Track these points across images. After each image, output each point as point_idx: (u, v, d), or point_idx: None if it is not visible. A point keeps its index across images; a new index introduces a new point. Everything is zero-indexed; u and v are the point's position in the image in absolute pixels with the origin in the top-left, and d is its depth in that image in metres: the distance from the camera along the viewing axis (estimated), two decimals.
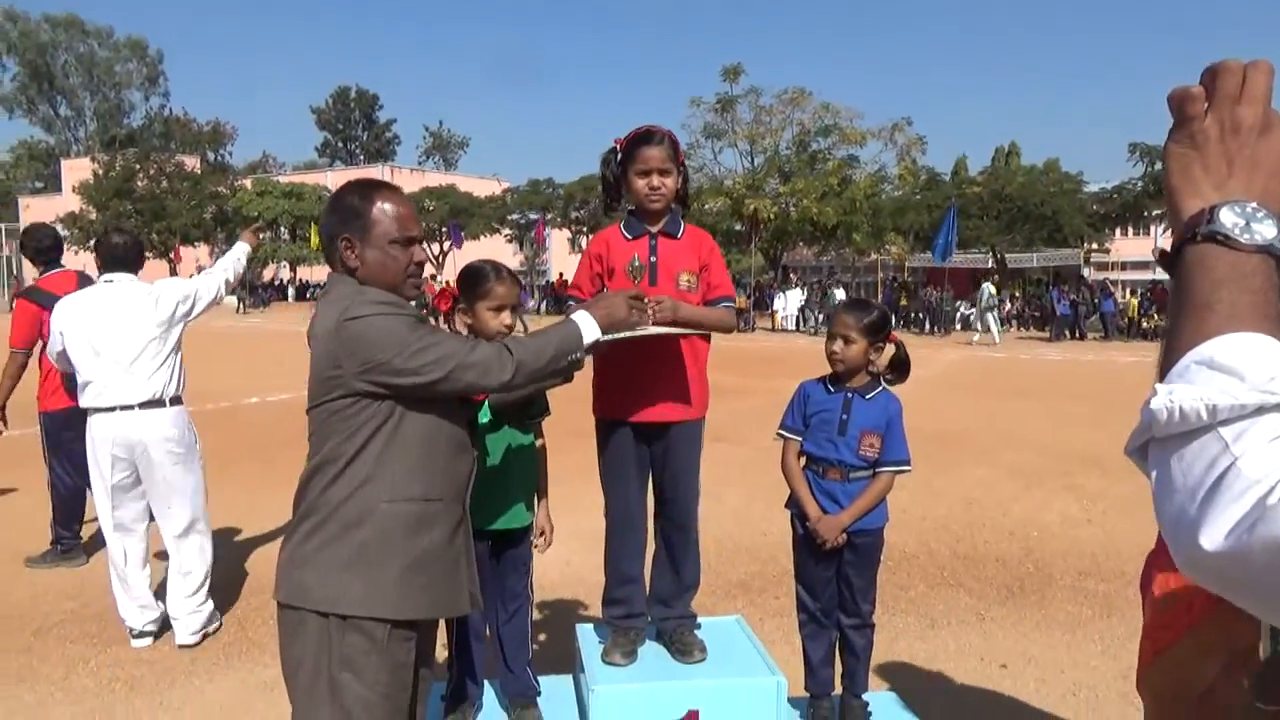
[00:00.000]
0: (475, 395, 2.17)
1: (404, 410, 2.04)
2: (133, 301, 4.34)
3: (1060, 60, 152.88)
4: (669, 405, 2.82)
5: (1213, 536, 0.71)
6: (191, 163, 53.44)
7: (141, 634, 4.40)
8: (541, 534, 2.98)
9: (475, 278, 2.70)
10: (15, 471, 7.47)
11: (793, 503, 3.02)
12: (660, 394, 2.81)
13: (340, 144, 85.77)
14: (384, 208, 2.13)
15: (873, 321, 2.89)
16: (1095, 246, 38.30)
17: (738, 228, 35.28)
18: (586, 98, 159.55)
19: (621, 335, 2.30)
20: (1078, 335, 27.20)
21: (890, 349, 2.96)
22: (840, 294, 27.75)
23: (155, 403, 4.28)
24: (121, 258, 4.42)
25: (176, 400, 4.39)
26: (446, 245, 40.48)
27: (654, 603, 2.97)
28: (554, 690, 3.01)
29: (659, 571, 2.97)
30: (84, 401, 4.30)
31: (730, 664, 2.82)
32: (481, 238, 43.45)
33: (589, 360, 2.98)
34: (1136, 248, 46.43)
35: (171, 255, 46.72)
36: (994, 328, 24.73)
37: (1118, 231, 39.79)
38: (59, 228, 7.14)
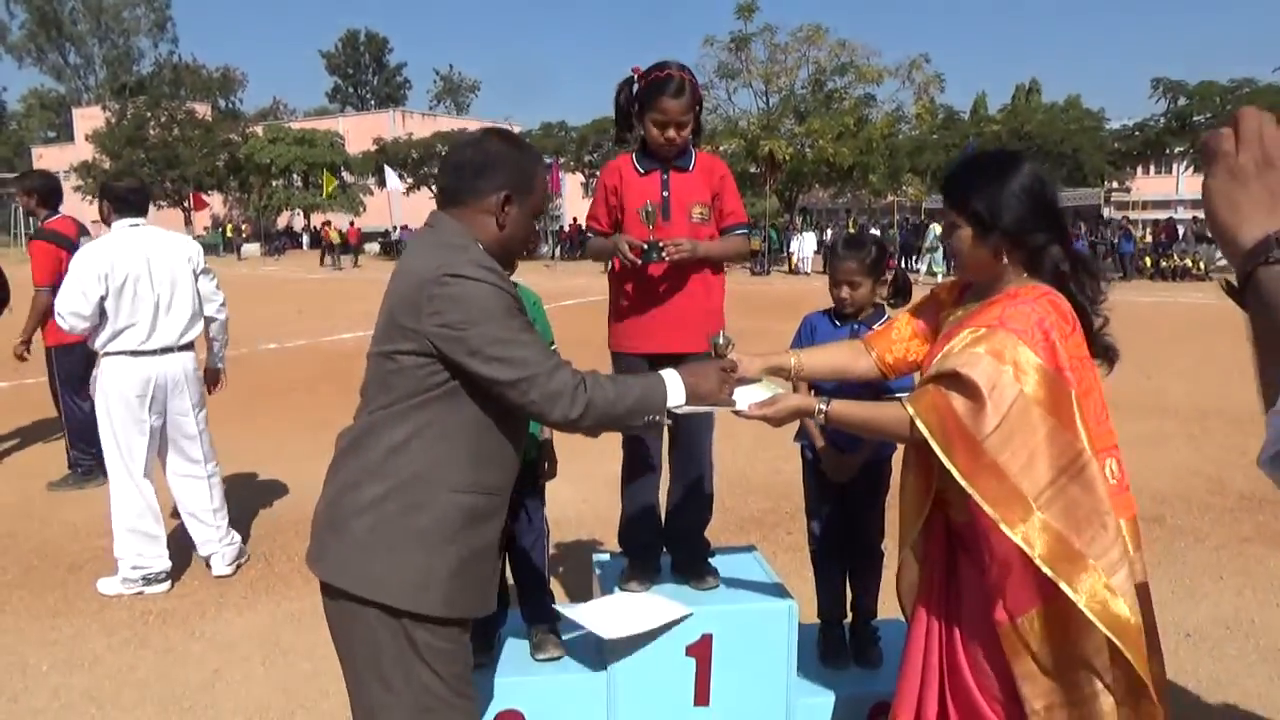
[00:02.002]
0: (531, 416, 1.96)
1: (479, 391, 1.91)
2: (167, 245, 4.47)
3: None
4: (684, 337, 2.85)
5: None
6: (202, 110, 53.06)
7: (166, 577, 4.46)
8: (544, 465, 3.01)
9: None
10: (32, 417, 7.60)
11: (802, 435, 3.07)
12: (675, 326, 2.85)
13: (351, 89, 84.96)
14: (544, 178, 2.09)
15: (874, 259, 2.91)
16: (1116, 185, 37.76)
17: (753, 169, 34.93)
18: (599, 39, 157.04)
19: (702, 409, 2.12)
20: None
21: (889, 275, 2.98)
22: (936, 229, 27.50)
23: (188, 345, 4.49)
24: (135, 202, 4.48)
25: (192, 344, 4.55)
26: None
27: (669, 534, 3.04)
28: (572, 620, 3.09)
29: (673, 503, 3.03)
30: (119, 344, 4.29)
31: (743, 591, 2.89)
32: None
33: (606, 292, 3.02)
34: (1158, 186, 45.75)
35: (188, 203, 46.76)
36: (937, 268, 24.83)
37: (1139, 170, 39.18)
38: (73, 176, 7.38)
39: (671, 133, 2.74)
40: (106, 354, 4.33)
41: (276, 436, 7.25)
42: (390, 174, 37.02)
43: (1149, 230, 30.43)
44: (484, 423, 1.95)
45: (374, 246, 41.32)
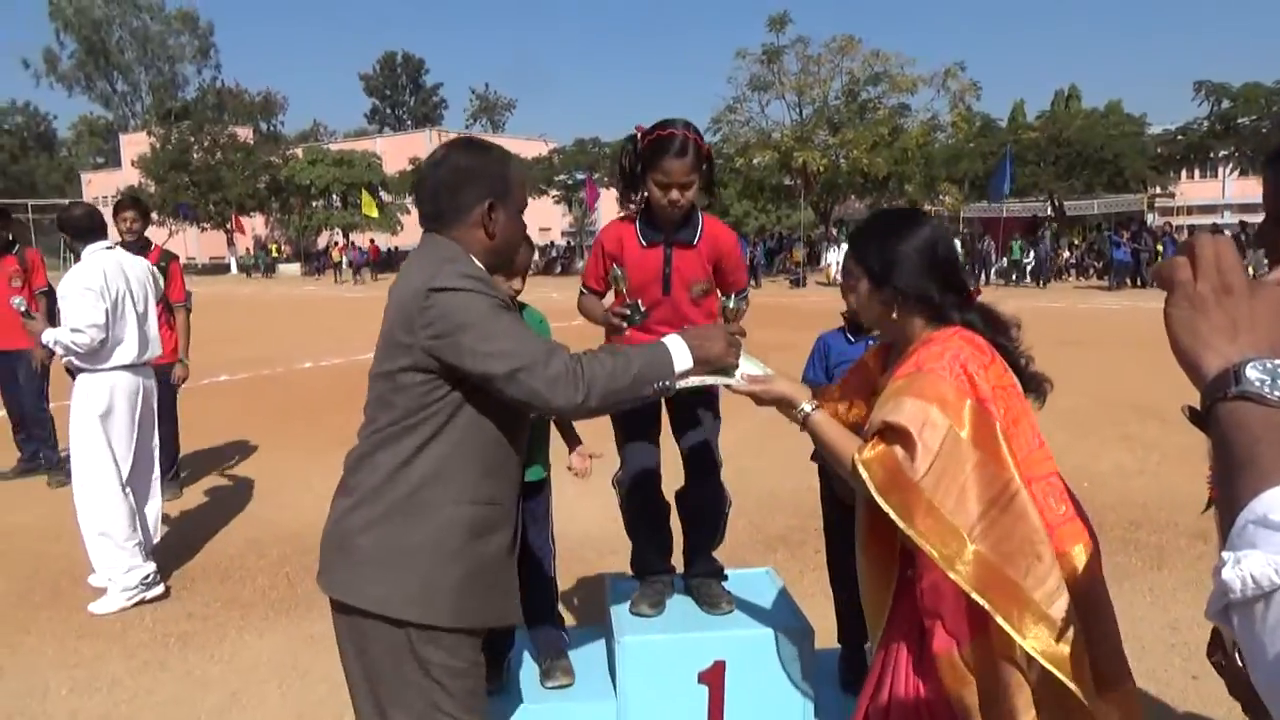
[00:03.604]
0: (536, 409, 1.93)
1: (479, 402, 1.91)
2: (137, 266, 4.75)
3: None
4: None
5: None
6: (244, 133, 54.13)
7: (159, 579, 4.59)
8: (577, 469, 3.05)
9: None
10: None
11: (819, 455, 2.98)
12: None
13: (388, 110, 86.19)
14: (519, 173, 2.07)
15: None
16: (1159, 190, 37.04)
17: (787, 181, 34.79)
18: (632, 54, 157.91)
19: (709, 379, 2.08)
20: (1139, 283, 26.40)
21: None
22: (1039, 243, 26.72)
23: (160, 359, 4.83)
24: (97, 228, 4.67)
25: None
26: None
27: (682, 556, 2.97)
28: (586, 642, 3.03)
29: (685, 517, 2.97)
30: (118, 359, 4.48)
31: (758, 615, 2.81)
32: (530, 199, 43.44)
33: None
34: (1203, 190, 44.83)
35: (230, 225, 47.67)
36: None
37: (1183, 174, 38.43)
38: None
39: (675, 194, 2.62)
40: (99, 370, 4.46)
41: (305, 454, 7.28)
42: None
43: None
44: (486, 435, 1.95)
45: None
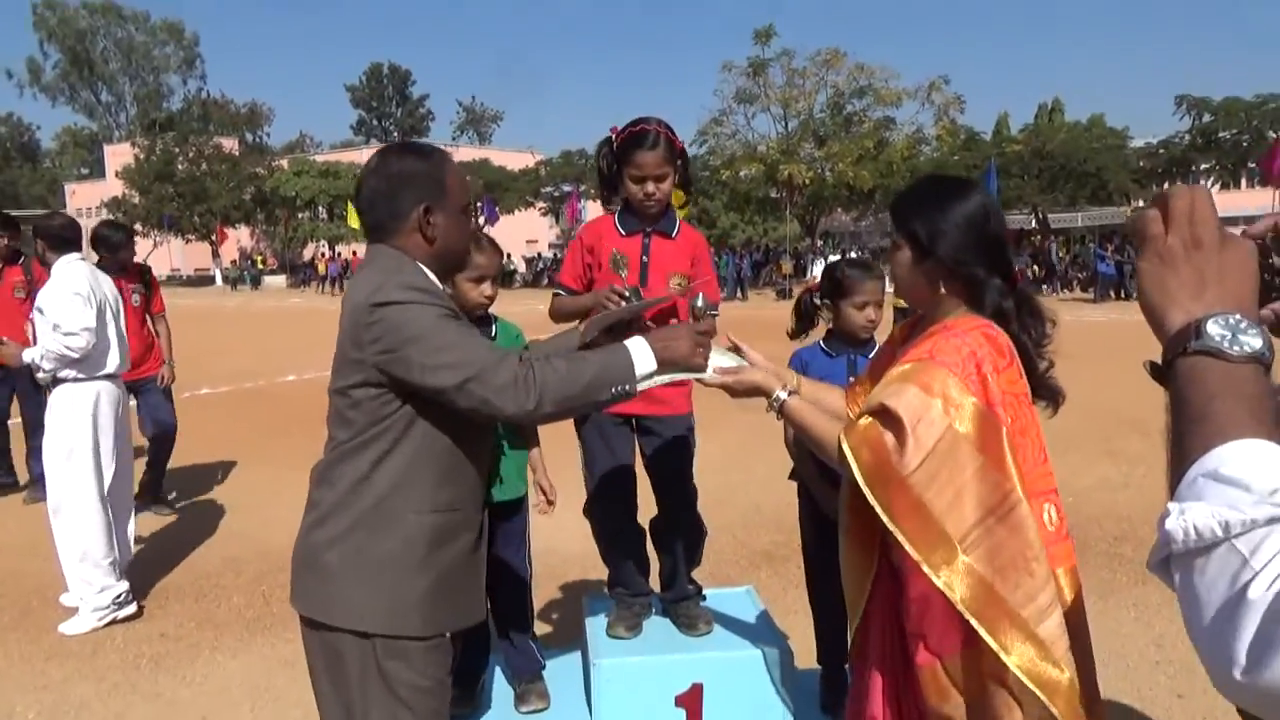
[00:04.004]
0: (487, 417, 1.90)
1: (435, 412, 1.90)
2: (108, 280, 4.73)
3: (1106, 12, 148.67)
4: (661, 396, 2.66)
5: (1245, 656, 0.71)
6: (229, 145, 53.96)
7: (131, 599, 4.51)
8: (542, 494, 2.94)
9: None
10: None
11: (797, 472, 2.95)
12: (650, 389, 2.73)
13: (375, 121, 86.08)
14: (454, 173, 2.03)
15: (885, 281, 2.81)
16: (1142, 203, 37.31)
17: (773, 194, 34.89)
18: (618, 65, 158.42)
19: (677, 376, 2.00)
20: (1123, 295, 26.55)
21: None
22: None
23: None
24: (73, 239, 4.61)
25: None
26: (482, 220, 40.55)
27: (659, 577, 2.93)
28: (563, 664, 2.98)
29: (660, 546, 2.92)
30: (98, 368, 4.42)
31: (737, 635, 2.78)
32: (516, 211, 43.45)
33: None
34: None
35: (215, 236, 47.41)
36: None
37: (1165, 187, 38.74)
38: (104, 211, 7.69)
39: (650, 186, 2.65)
40: (85, 379, 4.39)
41: (286, 469, 7.18)
42: None
43: None
44: (443, 444, 1.95)
45: None
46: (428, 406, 1.90)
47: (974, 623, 1.73)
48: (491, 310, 2.80)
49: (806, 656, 2.99)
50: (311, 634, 1.99)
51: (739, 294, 30.96)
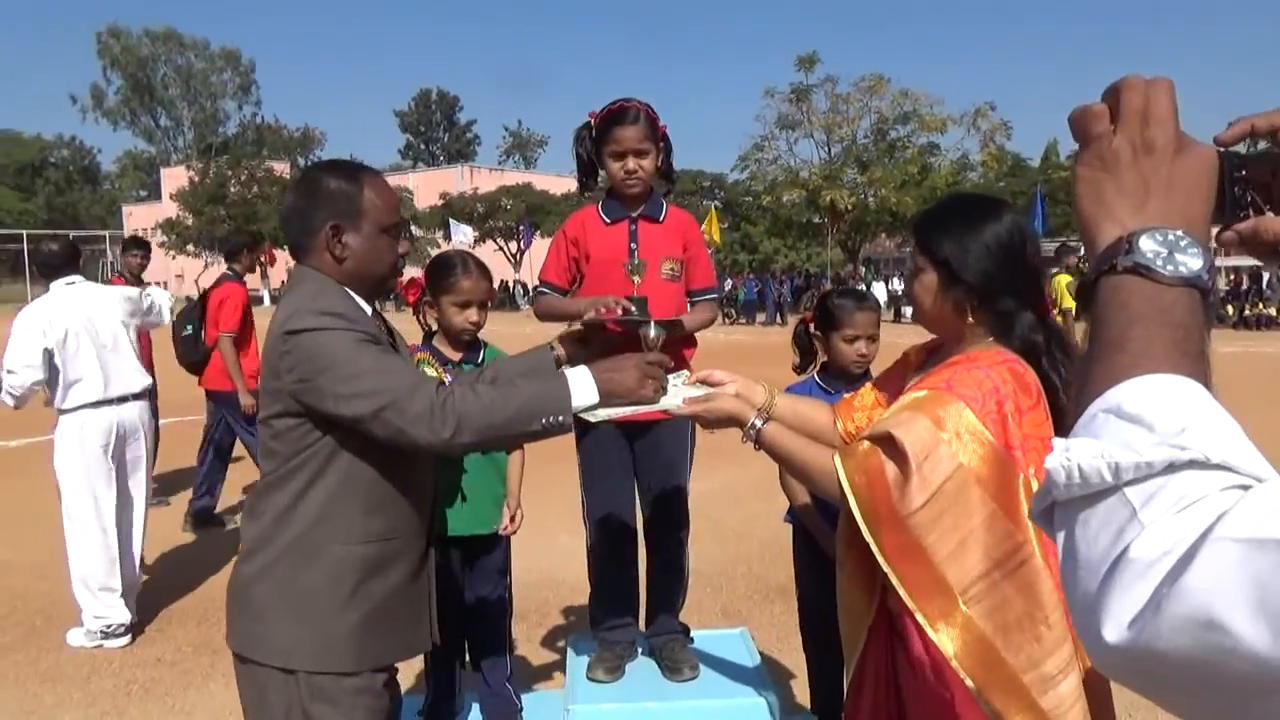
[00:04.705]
0: (402, 447, 1.79)
1: (358, 440, 1.81)
2: (104, 299, 4.64)
3: (1160, 34, 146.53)
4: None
5: (1118, 620, 0.59)
6: (281, 168, 55.08)
7: (126, 631, 4.44)
8: (511, 518, 2.79)
9: (441, 269, 2.57)
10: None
11: (792, 513, 2.80)
12: None
13: (422, 146, 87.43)
14: (376, 192, 1.94)
15: (880, 313, 2.67)
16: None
17: (815, 220, 34.67)
18: (662, 91, 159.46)
19: (622, 411, 1.87)
20: None
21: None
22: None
23: (142, 394, 4.61)
24: (62, 264, 4.61)
25: (145, 393, 4.66)
26: (522, 243, 40.87)
27: (647, 616, 2.80)
28: (543, 706, 2.86)
29: (649, 582, 2.79)
30: (76, 398, 4.35)
31: (722, 682, 2.62)
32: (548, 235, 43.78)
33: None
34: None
35: (263, 258, 48.27)
36: None
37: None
38: (159, 233, 7.80)
39: (631, 163, 2.55)
40: (66, 410, 4.38)
41: None
42: (455, 227, 37.73)
43: (1230, 276, 29.22)
44: (371, 473, 1.86)
45: None
46: (350, 436, 1.82)
47: (968, 683, 1.58)
48: (483, 336, 2.71)
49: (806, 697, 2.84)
50: (241, 670, 1.93)
51: (778, 319, 30.72)
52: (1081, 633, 0.64)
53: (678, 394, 1.93)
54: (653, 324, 2.15)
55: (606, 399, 1.81)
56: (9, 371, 4.27)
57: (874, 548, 1.61)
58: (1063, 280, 8.78)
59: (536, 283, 2.83)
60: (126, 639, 4.42)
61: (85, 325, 4.42)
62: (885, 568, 1.61)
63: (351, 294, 1.91)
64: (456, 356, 2.61)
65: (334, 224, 1.89)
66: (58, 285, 4.53)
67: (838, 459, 1.66)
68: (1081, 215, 0.80)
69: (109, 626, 4.38)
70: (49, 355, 4.29)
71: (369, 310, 1.94)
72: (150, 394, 4.77)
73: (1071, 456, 0.64)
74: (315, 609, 1.84)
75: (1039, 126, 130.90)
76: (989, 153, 33.47)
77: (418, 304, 2.64)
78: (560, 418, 1.78)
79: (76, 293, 4.53)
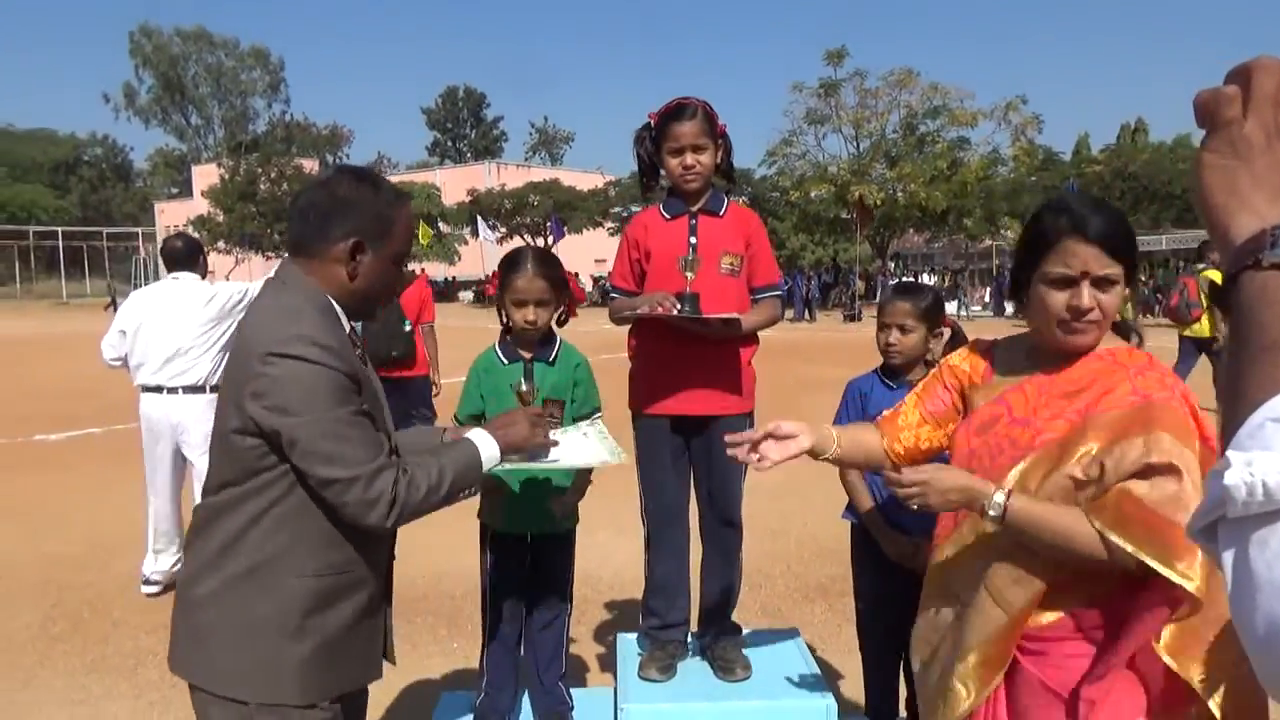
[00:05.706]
0: (347, 518, 1.75)
1: None
2: (187, 295, 4.92)
3: (1192, 31, 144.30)
4: (711, 397, 2.61)
5: None
6: (310, 165, 55.50)
7: (152, 583, 5.01)
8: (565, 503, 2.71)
9: (505, 265, 2.56)
10: (104, 464, 7.75)
11: (851, 510, 2.76)
12: (702, 385, 2.61)
13: (449, 143, 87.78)
14: (407, 221, 1.88)
15: (929, 306, 2.62)
16: None
17: (843, 215, 34.46)
18: (689, 87, 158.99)
19: (527, 466, 2.06)
20: None
21: (946, 333, 2.68)
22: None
23: (197, 388, 4.87)
24: (178, 259, 5.04)
25: (216, 388, 4.81)
26: (550, 239, 40.90)
27: (699, 614, 2.77)
28: (594, 704, 2.83)
29: (702, 580, 2.77)
30: (139, 379, 4.89)
31: (776, 683, 2.59)
32: (585, 231, 43.73)
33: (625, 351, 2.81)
34: None
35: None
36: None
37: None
38: (191, 229, 8.01)
39: (689, 158, 2.55)
40: (143, 391, 4.93)
41: None
42: (482, 224, 37.87)
43: None
44: (329, 506, 1.76)
45: (468, 295, 42.33)
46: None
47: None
48: (557, 332, 2.66)
49: (860, 696, 2.80)
50: (194, 694, 1.85)
51: (806, 315, 30.55)
52: (1263, 663, 0.59)
53: (606, 440, 2.11)
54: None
55: (507, 452, 1.95)
56: (107, 344, 4.94)
57: (1175, 576, 1.48)
58: (1210, 275, 8.67)
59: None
60: (155, 588, 4.98)
61: (160, 317, 4.82)
62: (1174, 578, 1.49)
63: (338, 310, 1.83)
64: (528, 355, 2.58)
65: (358, 240, 1.80)
66: (166, 278, 5.02)
67: (1098, 526, 1.55)
68: (1209, 204, 0.76)
69: (144, 576, 5.00)
70: (123, 337, 4.87)
71: (348, 327, 1.86)
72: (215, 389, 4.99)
73: (1255, 471, 0.59)
74: (263, 640, 1.77)
75: (1070, 121, 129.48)
76: (1020, 147, 33.10)
77: (498, 297, 2.60)
78: (475, 487, 1.92)
79: (171, 287, 4.95)
